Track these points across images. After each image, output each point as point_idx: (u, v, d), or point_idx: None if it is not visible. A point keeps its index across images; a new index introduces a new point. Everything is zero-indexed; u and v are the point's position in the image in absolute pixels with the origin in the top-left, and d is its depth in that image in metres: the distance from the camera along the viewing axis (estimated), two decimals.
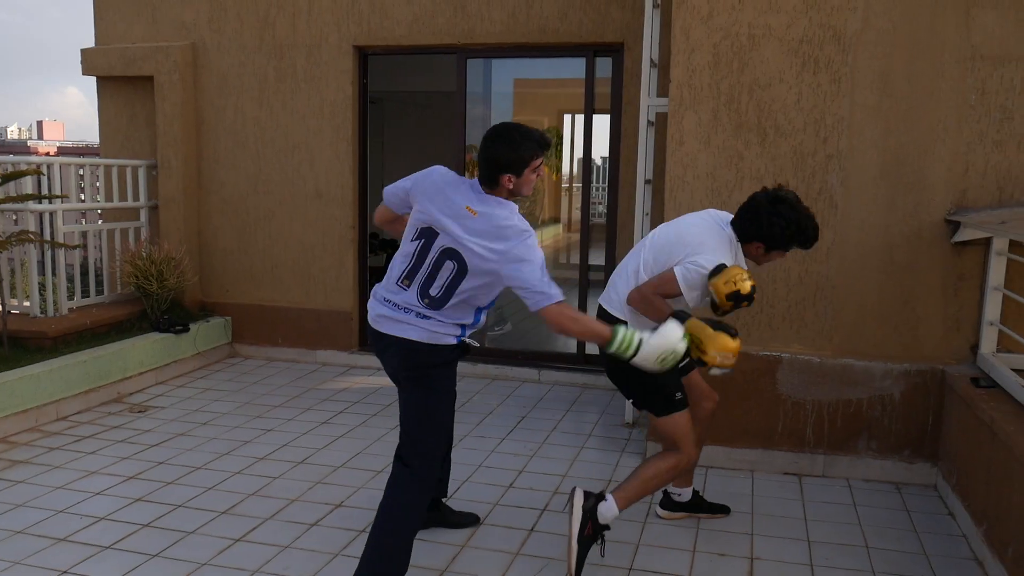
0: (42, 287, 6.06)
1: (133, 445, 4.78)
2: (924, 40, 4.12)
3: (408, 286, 3.02)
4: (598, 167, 9.44)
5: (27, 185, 5.76)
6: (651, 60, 4.94)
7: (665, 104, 4.70)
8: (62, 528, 3.70)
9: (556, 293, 2.87)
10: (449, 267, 2.96)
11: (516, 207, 3.00)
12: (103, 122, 7.11)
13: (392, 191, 3.22)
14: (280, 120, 6.57)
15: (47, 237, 5.84)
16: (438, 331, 3.00)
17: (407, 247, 3.07)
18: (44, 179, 5.83)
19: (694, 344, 3.04)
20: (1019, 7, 4.02)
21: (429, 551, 3.50)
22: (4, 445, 4.73)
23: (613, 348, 2.93)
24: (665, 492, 3.87)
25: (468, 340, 3.12)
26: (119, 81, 6.93)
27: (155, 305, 6.34)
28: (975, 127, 4.10)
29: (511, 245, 2.87)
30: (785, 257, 3.42)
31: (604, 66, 6.04)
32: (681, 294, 3.19)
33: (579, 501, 3.23)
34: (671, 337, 2.92)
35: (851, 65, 4.19)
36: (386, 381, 6.14)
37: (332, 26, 6.39)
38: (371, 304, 3.14)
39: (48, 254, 5.91)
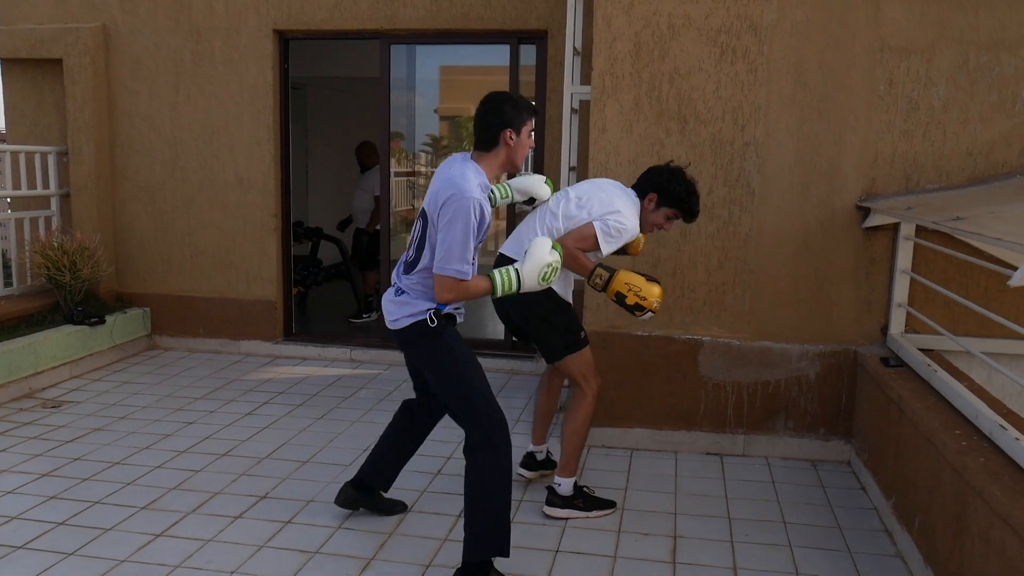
0: None
1: (46, 442, 4.61)
2: (836, 31, 4.25)
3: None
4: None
5: None
6: (574, 48, 4.97)
7: (588, 92, 4.74)
8: None
9: (465, 270, 2.93)
10: (419, 225, 3.12)
11: (484, 175, 3.04)
12: (8, 107, 6.80)
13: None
14: (198, 105, 6.40)
15: None
16: (410, 307, 3.10)
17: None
18: None
19: (632, 291, 3.46)
20: (925, 0, 4.18)
21: (357, 539, 3.48)
22: None
23: (499, 292, 3.02)
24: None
25: (450, 311, 3.18)
26: (25, 64, 6.63)
27: (68, 297, 6.12)
28: (883, 116, 4.25)
29: (454, 197, 2.91)
30: (668, 229, 3.78)
31: (528, 54, 6.06)
32: (598, 248, 3.54)
33: (556, 512, 3.73)
34: (541, 253, 3.00)
35: (767, 55, 4.30)
36: (312, 371, 6.10)
37: (251, 8, 6.24)
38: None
39: None
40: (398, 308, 3.13)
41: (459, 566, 3.11)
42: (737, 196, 4.39)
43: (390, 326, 3.19)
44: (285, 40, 6.39)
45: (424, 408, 3.55)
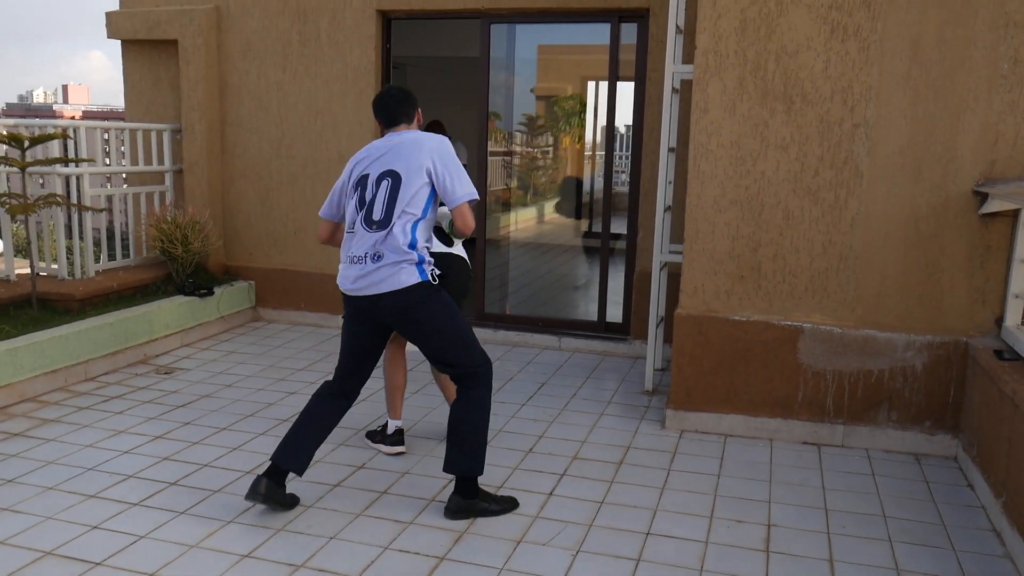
0: (69, 250, 6.14)
1: (159, 406, 4.86)
2: (957, 6, 4.04)
3: (354, 227, 3.42)
4: (621, 135, 9.39)
5: (54, 149, 5.82)
6: (677, 26, 4.88)
7: (690, 71, 4.65)
8: (91, 485, 3.79)
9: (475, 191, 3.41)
10: (386, 185, 3.36)
11: None
12: (128, 86, 7.15)
13: (328, 210, 3.66)
14: (303, 84, 6.57)
15: (73, 200, 5.90)
16: (409, 268, 3.35)
17: (350, 210, 3.47)
18: (71, 143, 5.88)
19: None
20: None
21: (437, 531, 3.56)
22: (34, 404, 4.83)
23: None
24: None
25: (433, 270, 3.44)
26: (143, 45, 6.94)
27: (180, 269, 6.41)
28: (1006, 97, 4.03)
29: (435, 143, 3.42)
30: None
31: (629, 32, 5.98)
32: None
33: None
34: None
35: (880, 32, 4.12)
36: (409, 346, 6.21)
37: None
38: (342, 277, 3.49)
39: (75, 217, 5.98)
40: (396, 272, 3.34)
41: (453, 492, 3.54)
42: (844, 179, 4.24)
43: (387, 289, 3.34)
44: (388, 20, 6.49)
45: (358, 384, 3.69)
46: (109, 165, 6.72)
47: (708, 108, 4.36)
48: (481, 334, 6.36)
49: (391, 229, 3.33)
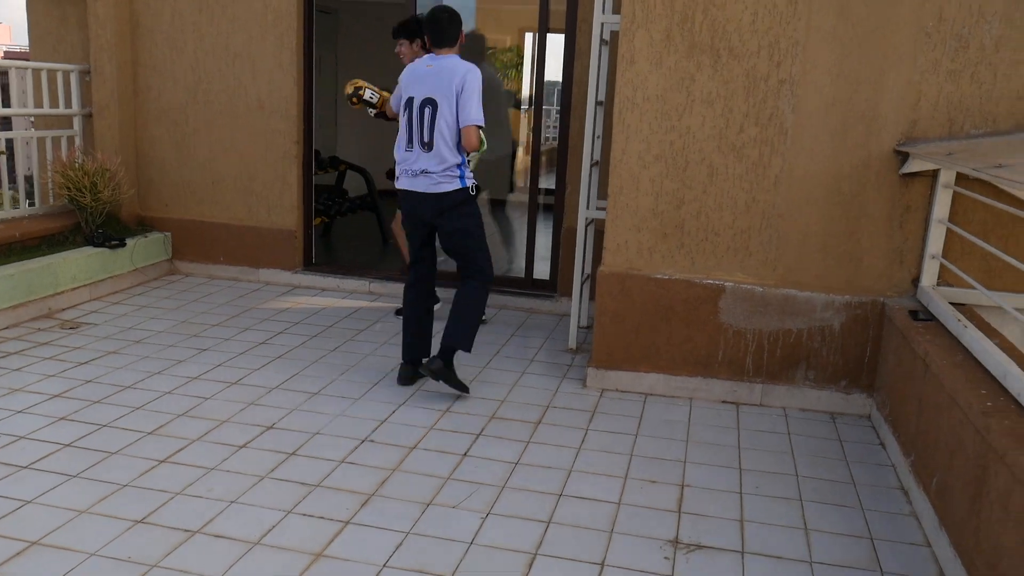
0: None
1: (61, 363, 4.63)
2: None
3: (412, 147, 4.18)
4: (556, 89, 9.24)
5: None
6: None
7: (616, 21, 4.52)
8: None
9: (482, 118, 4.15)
10: (428, 113, 4.11)
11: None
12: (32, 23, 6.70)
13: (395, 103, 4.42)
14: (220, 26, 6.25)
15: None
16: (452, 178, 4.16)
17: (402, 124, 4.22)
18: None
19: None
20: None
21: (359, 474, 3.45)
22: None
23: (484, 147, 4.29)
24: None
25: (473, 183, 4.25)
26: None
27: (89, 219, 6.10)
28: (930, 55, 3.99)
29: (469, 72, 4.11)
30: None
31: None
32: None
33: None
34: None
35: None
36: (330, 302, 6.05)
37: None
38: (399, 181, 4.29)
39: None
40: (442, 179, 4.16)
41: (441, 360, 4.23)
42: (768, 136, 4.18)
43: (433, 190, 4.17)
44: None
45: (429, 268, 4.48)
46: (10, 107, 6.30)
47: (634, 60, 4.24)
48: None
49: (437, 149, 4.11)
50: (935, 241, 4.08)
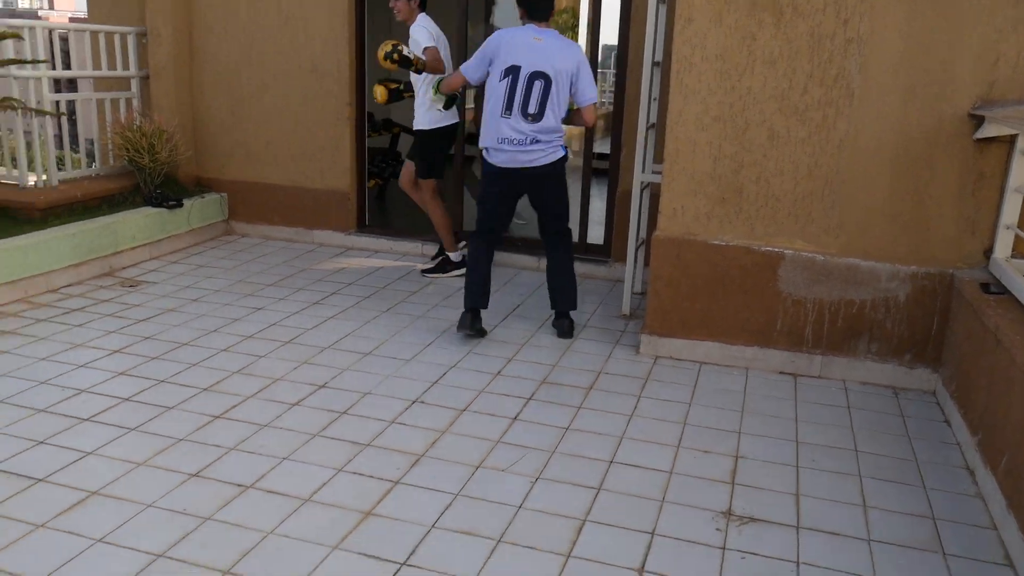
0: (30, 158, 5.90)
1: (121, 320, 4.72)
2: None
3: (511, 114, 4.30)
4: (610, 50, 9.04)
5: (8, 50, 5.52)
6: None
7: None
8: (42, 399, 3.67)
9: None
10: (540, 86, 4.26)
11: None
12: None
13: (472, 73, 4.44)
14: None
15: (32, 105, 5.62)
16: (554, 148, 4.43)
17: (498, 91, 4.32)
18: (26, 44, 5.57)
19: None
20: None
21: (409, 435, 3.45)
22: None
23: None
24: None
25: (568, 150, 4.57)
26: None
27: (148, 179, 6.18)
28: (1010, 12, 3.77)
29: (579, 54, 4.38)
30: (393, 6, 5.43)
31: None
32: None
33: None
34: None
35: None
36: (382, 263, 6.06)
37: None
38: (496, 154, 4.41)
39: (36, 124, 5.71)
40: (547, 151, 4.39)
41: (561, 319, 4.75)
42: (834, 98, 4.02)
43: (539, 163, 4.39)
44: None
45: (497, 238, 4.70)
46: (70, 70, 6.38)
47: (693, 18, 4.10)
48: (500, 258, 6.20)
49: (545, 120, 4.30)
50: (1011, 211, 3.89)
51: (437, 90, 4.78)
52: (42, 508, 2.84)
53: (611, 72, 9.03)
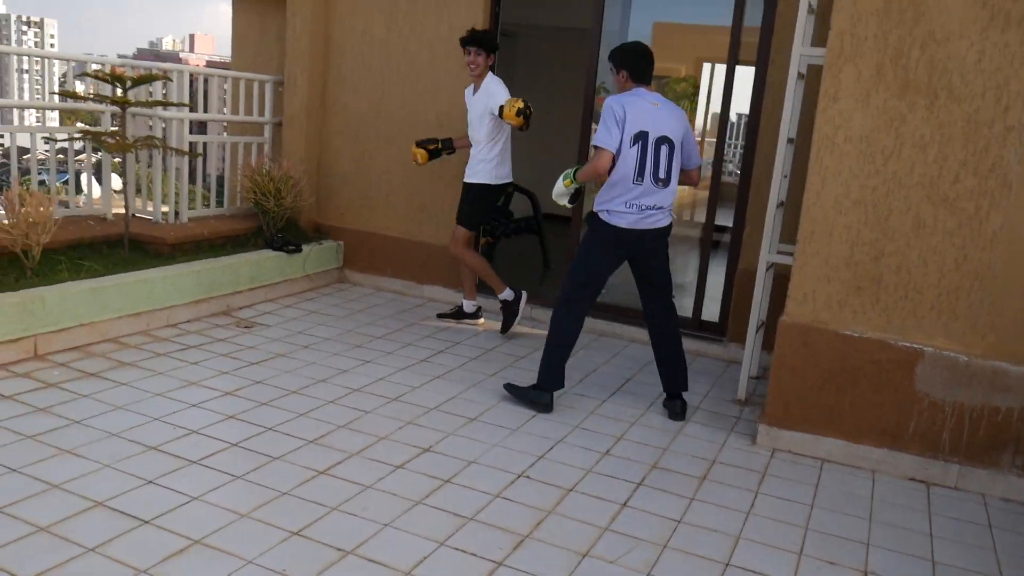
0: (164, 195, 6.14)
1: (235, 361, 4.79)
2: None
3: (643, 180, 4.22)
4: (732, 123, 8.92)
5: (157, 91, 5.80)
6: (809, 5, 4.44)
7: (820, 55, 4.22)
8: (155, 436, 3.72)
9: None
10: (666, 151, 4.24)
11: None
12: (236, 36, 7.10)
13: (614, 142, 4.19)
14: (408, 44, 6.37)
15: (172, 145, 5.87)
16: (669, 215, 4.39)
17: (630, 158, 4.19)
18: (173, 86, 5.84)
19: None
20: None
21: (513, 512, 3.32)
22: (114, 345, 4.83)
23: None
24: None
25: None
26: None
27: (271, 222, 6.35)
28: None
29: (685, 118, 4.39)
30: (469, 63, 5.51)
31: (753, 12, 5.53)
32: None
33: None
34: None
35: None
36: (490, 324, 5.99)
37: None
38: (620, 217, 4.26)
39: (172, 162, 5.96)
40: (667, 216, 4.36)
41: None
42: (988, 189, 3.76)
43: (659, 225, 4.33)
44: None
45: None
46: (210, 113, 6.67)
47: (838, 97, 3.93)
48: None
49: (672, 186, 4.31)
50: None
51: (573, 180, 4.41)
52: (145, 552, 2.83)
53: (735, 144, 8.83)
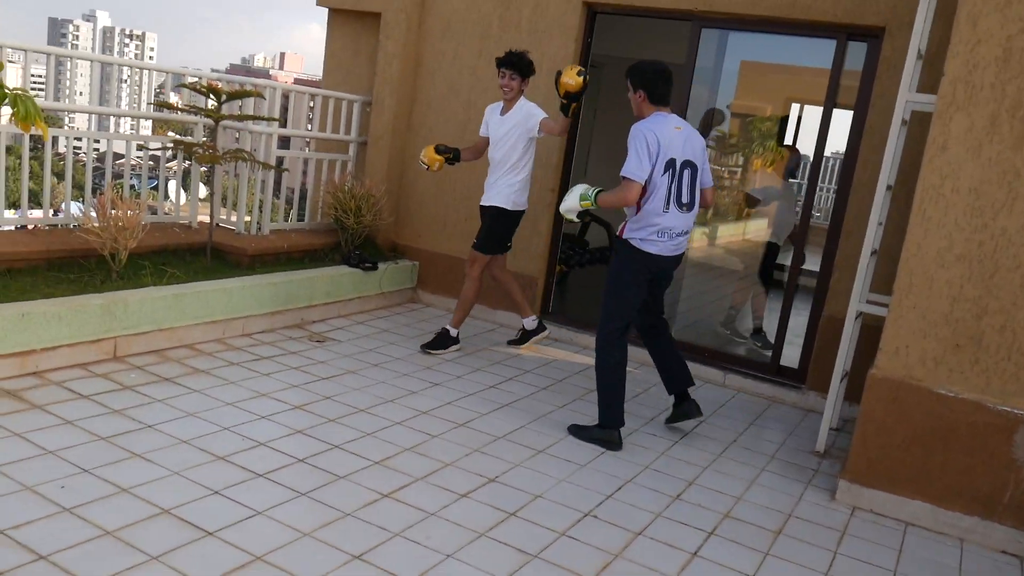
0: (249, 207, 6.24)
1: (305, 374, 4.79)
2: None
3: (669, 208, 4.19)
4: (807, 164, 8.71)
5: (250, 107, 5.92)
6: (919, 50, 4.27)
7: (928, 102, 4.06)
8: (223, 446, 3.72)
9: None
10: (688, 175, 4.23)
11: None
12: (328, 55, 7.22)
13: (644, 174, 4.13)
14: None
15: (260, 158, 5.97)
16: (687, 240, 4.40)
17: (662, 187, 4.15)
18: (264, 103, 5.95)
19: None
20: None
21: (579, 553, 3.20)
22: (190, 351, 4.89)
23: None
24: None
25: None
26: (348, 15, 6.99)
27: (349, 239, 6.40)
28: None
29: (700, 137, 4.38)
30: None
31: (855, 55, 5.37)
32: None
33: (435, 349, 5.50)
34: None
35: None
36: (561, 354, 5.91)
37: None
38: (654, 243, 4.24)
39: (258, 175, 6.06)
40: (686, 242, 4.36)
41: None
42: None
43: (681, 250, 4.36)
44: (593, 13, 6.18)
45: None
46: (298, 129, 6.79)
47: (947, 146, 3.75)
48: (641, 355, 5.95)
49: (695, 210, 4.31)
50: None
51: (593, 203, 4.30)
52: (208, 565, 2.81)
53: (826, 188, 8.60)
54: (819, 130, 5.42)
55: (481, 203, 5.65)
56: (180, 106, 5.84)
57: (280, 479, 3.49)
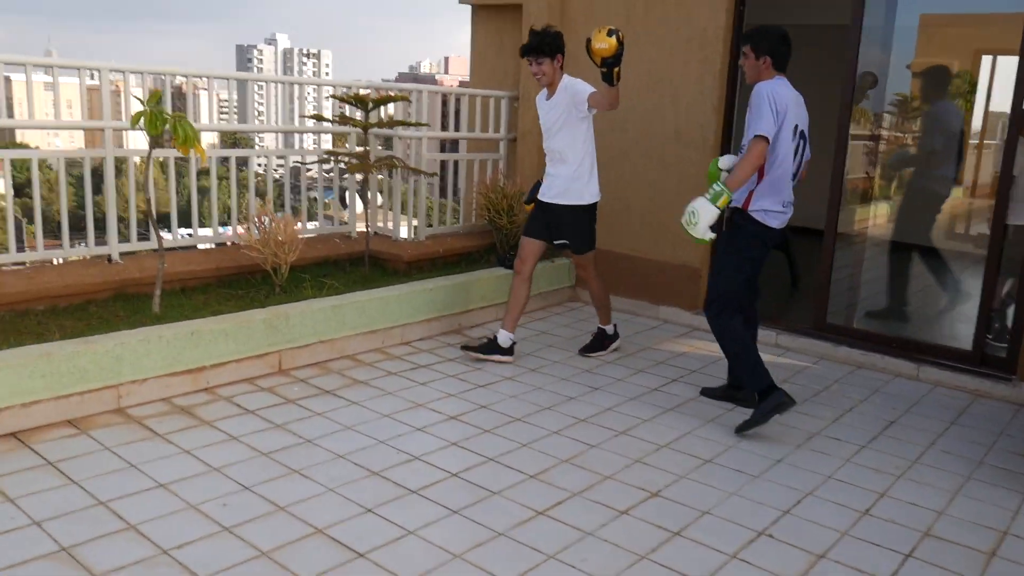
0: (405, 213, 6.27)
1: (462, 383, 4.71)
2: None
3: (795, 177, 4.21)
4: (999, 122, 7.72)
5: (399, 112, 5.93)
6: None
7: None
8: (378, 461, 3.68)
9: None
10: (800, 144, 4.15)
11: None
12: (474, 52, 7.16)
13: (773, 130, 3.91)
14: (645, 52, 6.05)
15: (411, 164, 5.97)
16: None
17: (787, 154, 4.04)
18: (413, 106, 5.94)
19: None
20: None
21: None
22: (350, 362, 4.93)
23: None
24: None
25: None
26: (490, 10, 6.89)
27: (503, 240, 6.29)
28: None
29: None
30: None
31: None
32: None
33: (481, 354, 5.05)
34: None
35: None
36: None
37: None
38: (776, 216, 4.11)
39: (411, 181, 6.06)
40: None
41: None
42: None
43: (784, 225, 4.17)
44: None
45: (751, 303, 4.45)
46: (447, 131, 6.75)
47: None
48: (820, 348, 5.49)
49: (796, 180, 4.20)
50: None
51: (727, 194, 3.86)
52: None
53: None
54: (1016, 83, 4.73)
55: (545, 199, 5.13)
56: (331, 117, 5.93)
57: (433, 495, 3.39)
